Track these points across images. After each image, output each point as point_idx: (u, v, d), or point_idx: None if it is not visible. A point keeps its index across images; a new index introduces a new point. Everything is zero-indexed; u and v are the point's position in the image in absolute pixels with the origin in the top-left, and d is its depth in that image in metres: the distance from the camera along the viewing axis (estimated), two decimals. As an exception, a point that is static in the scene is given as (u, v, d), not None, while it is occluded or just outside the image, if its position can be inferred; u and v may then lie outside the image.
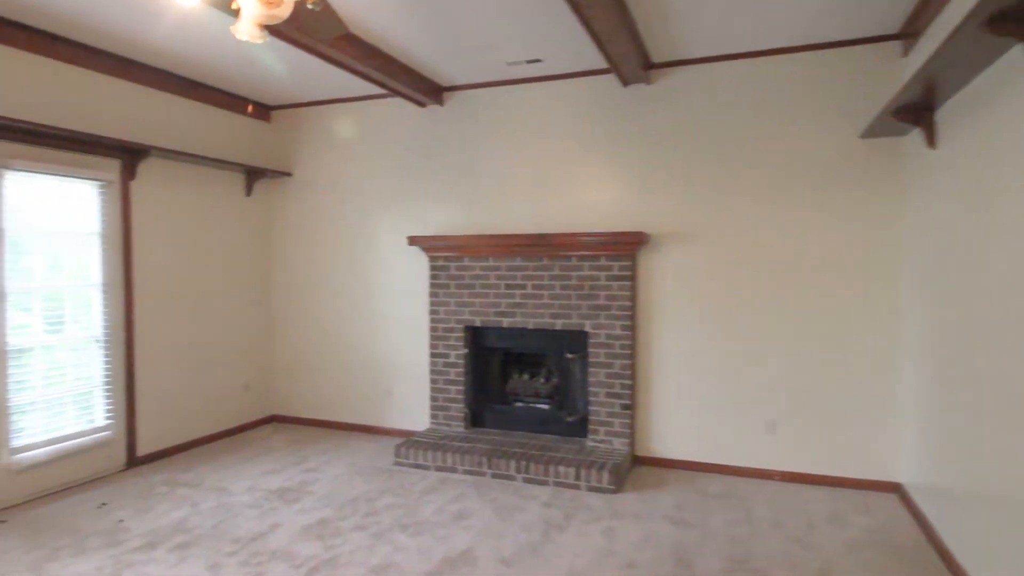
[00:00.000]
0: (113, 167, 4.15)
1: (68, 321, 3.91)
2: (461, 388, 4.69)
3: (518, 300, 4.50)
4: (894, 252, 3.76)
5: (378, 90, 4.89)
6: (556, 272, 4.40)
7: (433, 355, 4.78)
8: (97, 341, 4.07)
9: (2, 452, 3.55)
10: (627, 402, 4.25)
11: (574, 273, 4.36)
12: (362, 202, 5.13)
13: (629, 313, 4.23)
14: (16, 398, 3.63)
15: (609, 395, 4.29)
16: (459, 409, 4.69)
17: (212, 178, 4.90)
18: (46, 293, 3.79)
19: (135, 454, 4.31)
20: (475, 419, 4.77)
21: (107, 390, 4.13)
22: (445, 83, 4.72)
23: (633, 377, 4.31)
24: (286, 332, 5.48)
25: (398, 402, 5.05)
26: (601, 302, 4.29)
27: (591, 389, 4.34)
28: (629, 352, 4.24)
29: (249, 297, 5.29)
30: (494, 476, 4.07)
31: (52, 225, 3.81)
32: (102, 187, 4.08)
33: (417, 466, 4.26)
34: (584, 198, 4.46)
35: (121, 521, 3.39)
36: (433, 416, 4.78)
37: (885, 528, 3.32)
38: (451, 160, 4.81)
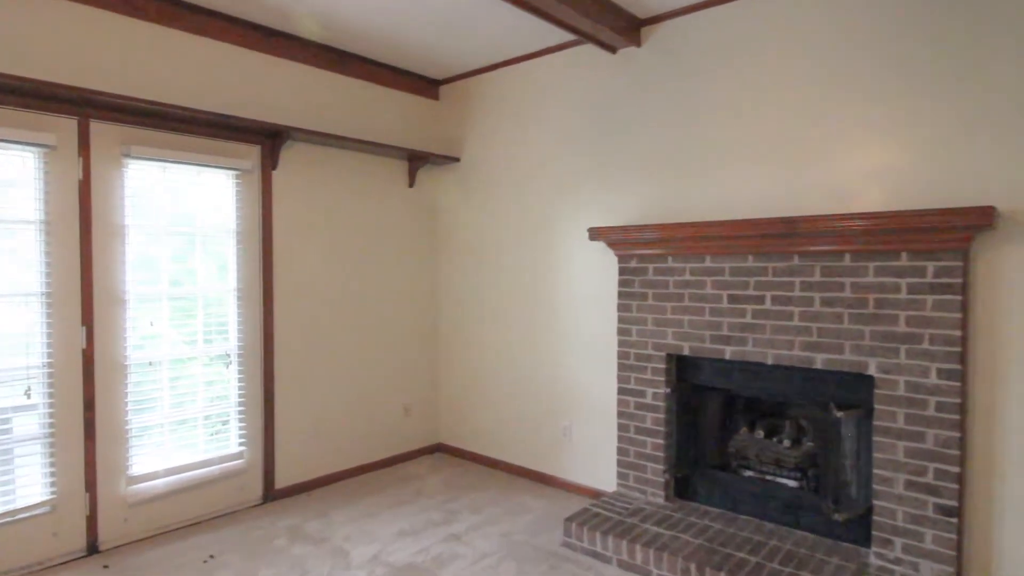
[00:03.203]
0: (252, 154, 3.59)
1: (200, 332, 3.42)
2: (661, 442, 3.29)
3: (750, 320, 2.97)
4: None
5: (557, 38, 3.73)
6: (815, 278, 2.78)
7: (622, 391, 3.45)
8: (229, 355, 3.54)
9: (119, 481, 3.12)
10: (950, 502, 2.47)
11: (848, 280, 2.70)
12: (537, 188, 4.01)
13: (956, 349, 2.45)
14: (137, 419, 3.18)
15: (914, 485, 2.55)
16: (658, 471, 3.30)
17: (368, 166, 4.20)
18: (175, 299, 3.32)
19: (273, 486, 3.72)
20: (681, 488, 3.33)
21: (241, 412, 3.59)
22: (643, 13, 3.38)
23: (963, 460, 2.50)
24: (453, 347, 4.60)
25: (578, 446, 3.82)
26: (901, 328, 2.57)
27: (878, 471, 2.63)
28: (955, 416, 2.46)
29: (411, 305, 4.51)
30: (709, 596, 2.62)
31: (180, 222, 3.33)
32: (239, 177, 3.54)
33: (593, 554, 2.98)
34: (863, 158, 2.76)
35: (212, 590, 2.69)
36: (622, 476, 3.45)
37: None
38: (650, 121, 3.44)
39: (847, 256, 2.70)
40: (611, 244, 3.43)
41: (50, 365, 2.89)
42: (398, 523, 3.39)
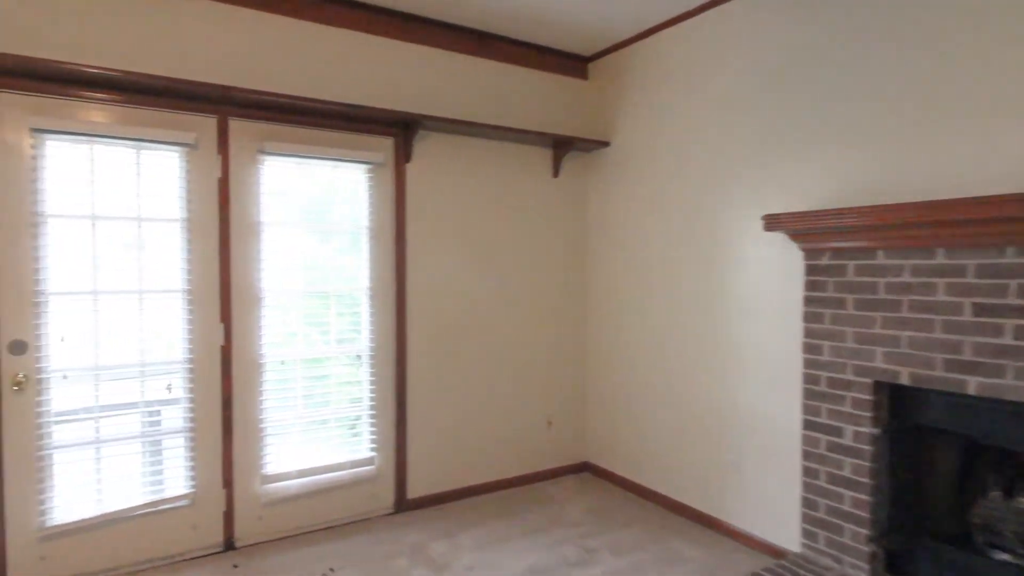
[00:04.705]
0: (385, 146, 3.43)
1: (332, 331, 3.32)
2: (866, 498, 2.48)
3: (1010, 340, 2.07)
4: None
5: (724, -15, 3.05)
6: None
7: (810, 425, 2.68)
8: (361, 356, 3.40)
9: (254, 480, 3.10)
10: None
11: None
12: (700, 171, 3.35)
13: None
14: (272, 417, 3.16)
15: None
16: (860, 536, 2.49)
17: (508, 156, 3.85)
18: (307, 297, 3.26)
19: (405, 496, 3.53)
20: (894, 562, 2.48)
21: (372, 416, 3.44)
22: (844, -69, 2.58)
23: None
24: (603, 355, 4.09)
25: (750, 486, 3.10)
26: None
27: None
28: None
29: (555, 307, 4.09)
30: None
31: (313, 218, 3.26)
32: (371, 171, 3.39)
33: (764, 639, 2.30)
34: None
35: (320, 613, 2.50)
36: (808, 535, 2.69)
37: None
38: (850, 73, 2.62)
39: None
40: (795, 235, 2.68)
41: (191, 361, 2.94)
42: (527, 556, 2.98)
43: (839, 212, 2.44)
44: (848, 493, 2.53)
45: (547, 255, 4.03)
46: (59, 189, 2.64)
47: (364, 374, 3.41)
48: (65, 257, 2.65)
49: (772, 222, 2.70)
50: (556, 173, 4.02)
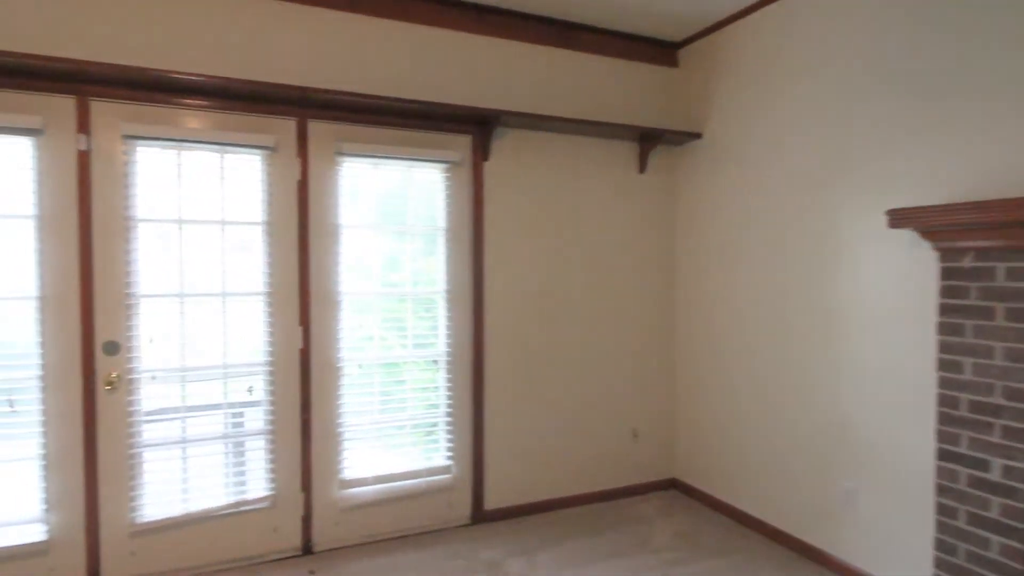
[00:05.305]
0: (462, 145, 3.31)
1: (409, 336, 3.25)
2: (1020, 546, 2.07)
3: None
4: None
5: (838, -50, 2.70)
6: None
7: (945, 456, 2.30)
8: (437, 361, 3.31)
9: (331, 484, 3.07)
10: None
11: None
12: (807, 162, 2.99)
13: None
14: (349, 421, 3.12)
15: None
16: (1011, 590, 2.09)
17: (591, 151, 3.64)
18: (384, 301, 3.20)
19: (482, 507, 3.40)
20: (1059, 625, 2.06)
21: (449, 424, 3.33)
22: None
23: None
24: (694, 363, 3.79)
25: (866, 520, 2.72)
26: None
27: None
28: None
29: (642, 311, 3.83)
30: None
31: (390, 220, 3.19)
32: (448, 170, 3.28)
33: None
34: None
35: (391, 630, 2.41)
36: (941, 582, 2.30)
37: None
38: (996, 36, 2.21)
39: None
40: (927, 233, 2.30)
41: (271, 364, 2.94)
42: (610, 582, 2.76)
43: (986, 206, 2.06)
44: (996, 538, 2.13)
45: (633, 256, 3.78)
46: (148, 194, 2.70)
47: (441, 379, 3.31)
48: (153, 260, 2.72)
49: (899, 218, 2.33)
50: (643, 168, 3.76)
